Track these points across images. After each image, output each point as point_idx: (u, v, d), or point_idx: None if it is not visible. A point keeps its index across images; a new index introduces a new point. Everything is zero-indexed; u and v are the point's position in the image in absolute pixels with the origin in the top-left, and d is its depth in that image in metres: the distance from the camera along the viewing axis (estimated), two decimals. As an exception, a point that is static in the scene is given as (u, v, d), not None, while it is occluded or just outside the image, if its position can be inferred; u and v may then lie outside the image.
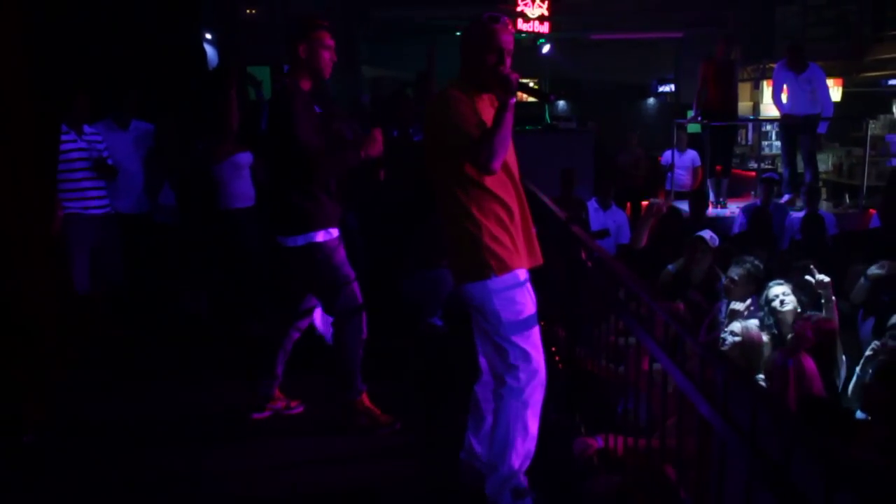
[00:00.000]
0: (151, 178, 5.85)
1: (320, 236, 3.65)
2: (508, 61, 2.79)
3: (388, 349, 4.51)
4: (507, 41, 2.81)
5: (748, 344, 3.71)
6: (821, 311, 3.99)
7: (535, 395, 2.87)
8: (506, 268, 2.81)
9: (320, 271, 3.69)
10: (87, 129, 5.25)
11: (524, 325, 2.84)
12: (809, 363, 3.32)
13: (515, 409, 2.83)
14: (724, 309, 4.56)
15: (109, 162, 5.32)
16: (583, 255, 3.27)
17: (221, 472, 3.52)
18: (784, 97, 8.54)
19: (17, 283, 3.96)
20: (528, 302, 2.87)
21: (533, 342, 2.86)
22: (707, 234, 5.06)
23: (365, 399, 3.86)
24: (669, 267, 5.16)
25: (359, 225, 5.90)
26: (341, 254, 3.75)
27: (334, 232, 3.73)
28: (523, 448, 2.86)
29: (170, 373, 4.80)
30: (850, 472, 1.24)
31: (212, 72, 7.18)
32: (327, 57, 3.62)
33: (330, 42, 3.63)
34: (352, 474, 3.48)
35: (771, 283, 4.21)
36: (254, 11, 9.40)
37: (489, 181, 2.79)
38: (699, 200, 7.57)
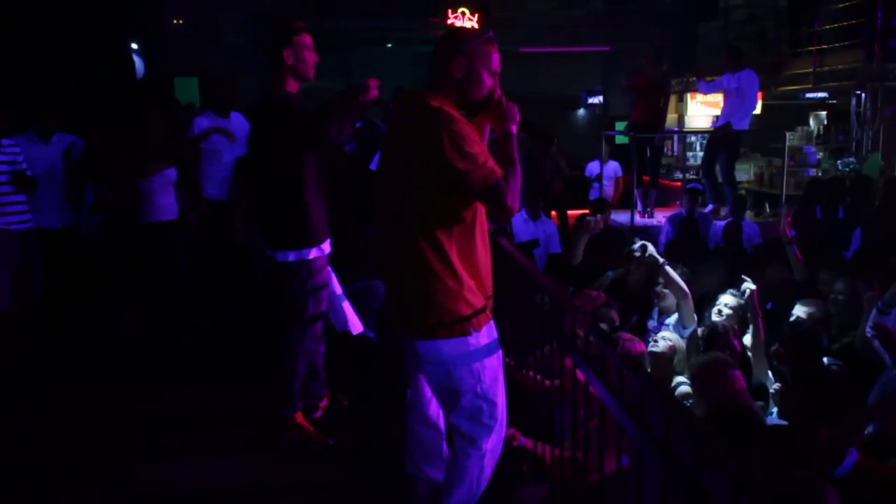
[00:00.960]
0: (75, 191, 5.70)
1: (312, 253, 3.62)
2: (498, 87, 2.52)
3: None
4: (498, 63, 2.50)
5: (663, 354, 3.82)
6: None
7: (498, 449, 2.68)
8: (483, 321, 2.52)
9: (294, 288, 3.64)
10: (4, 141, 5.11)
11: (498, 381, 2.60)
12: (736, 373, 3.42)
13: (480, 466, 2.62)
14: (655, 316, 4.69)
15: (29, 173, 5.18)
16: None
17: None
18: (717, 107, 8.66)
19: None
20: (499, 354, 2.62)
21: (502, 397, 2.64)
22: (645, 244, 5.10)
23: (299, 416, 3.84)
24: (609, 273, 5.25)
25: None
26: (323, 277, 3.73)
27: (325, 248, 3.71)
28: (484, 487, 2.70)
29: (95, 386, 4.69)
30: (750, 477, 1.31)
31: (137, 83, 7.07)
32: (311, 59, 3.57)
33: (310, 42, 3.58)
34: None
35: (726, 291, 4.36)
36: (181, 22, 9.26)
37: (476, 224, 2.48)
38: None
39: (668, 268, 4.22)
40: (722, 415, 2.61)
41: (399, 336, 2.69)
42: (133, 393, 4.59)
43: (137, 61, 8.46)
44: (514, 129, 2.49)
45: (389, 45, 13.54)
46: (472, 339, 2.47)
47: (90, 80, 6.06)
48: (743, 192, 11.91)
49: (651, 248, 4.50)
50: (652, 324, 4.69)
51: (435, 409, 2.87)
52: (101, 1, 6.36)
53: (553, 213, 8.92)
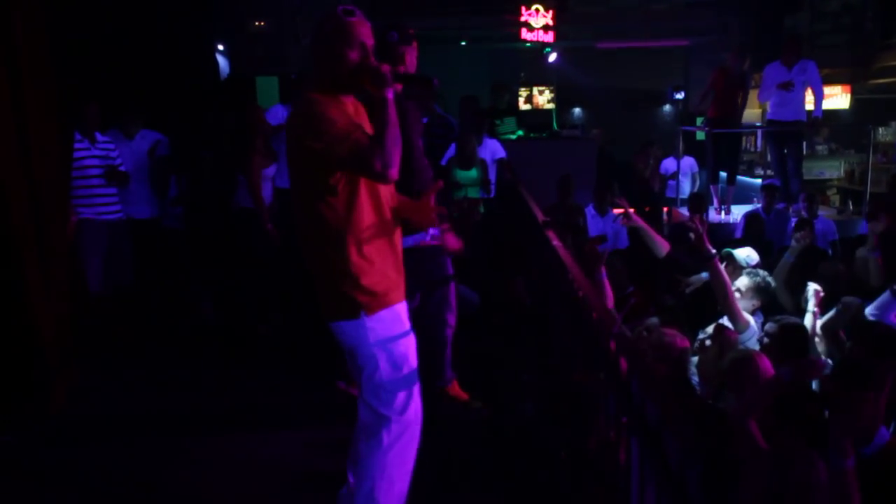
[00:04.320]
0: (160, 185, 6.09)
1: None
2: (371, 56, 2.50)
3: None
4: (367, 34, 2.49)
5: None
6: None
7: (406, 450, 2.60)
8: (382, 304, 2.52)
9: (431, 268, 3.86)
10: (99, 137, 5.49)
11: (402, 370, 2.55)
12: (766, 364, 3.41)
13: (381, 464, 2.55)
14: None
15: (122, 168, 5.57)
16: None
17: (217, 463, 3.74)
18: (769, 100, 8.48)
19: (28, 283, 4.20)
20: (408, 342, 2.60)
21: (410, 389, 2.58)
22: (744, 253, 4.86)
23: (454, 386, 4.07)
24: (703, 275, 5.06)
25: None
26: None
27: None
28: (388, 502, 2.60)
29: (173, 370, 5.03)
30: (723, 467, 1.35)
31: (230, 83, 7.42)
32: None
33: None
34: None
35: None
36: (263, 24, 9.70)
37: (363, 199, 2.48)
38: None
39: (717, 263, 4.12)
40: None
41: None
42: (212, 373, 4.91)
43: (222, 62, 8.93)
44: (389, 93, 2.42)
45: (464, 43, 13.67)
46: (368, 322, 2.48)
47: (177, 80, 6.44)
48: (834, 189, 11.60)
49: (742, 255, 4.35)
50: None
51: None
52: (187, 4, 6.76)
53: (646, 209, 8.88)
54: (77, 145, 5.20)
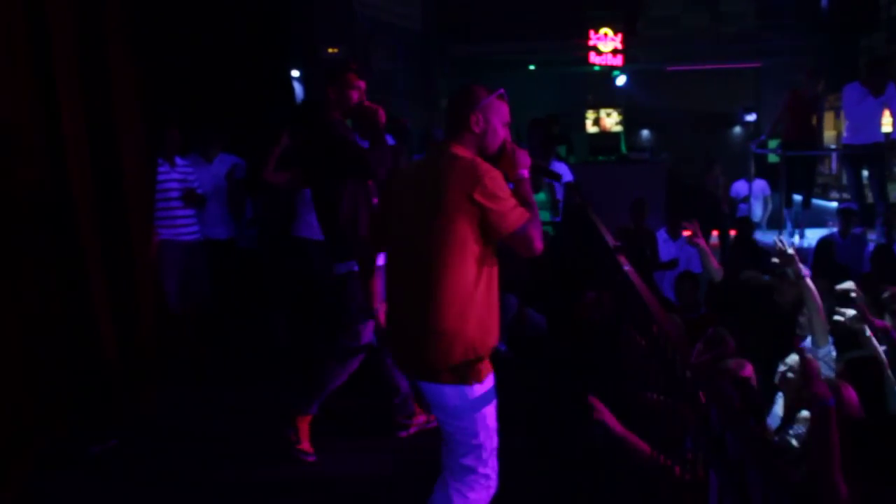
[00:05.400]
0: (237, 207, 6.28)
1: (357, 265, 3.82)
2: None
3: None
4: (508, 116, 2.75)
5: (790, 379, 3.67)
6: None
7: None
8: (488, 370, 2.60)
9: (345, 301, 3.93)
10: (178, 160, 5.70)
11: (492, 432, 2.64)
12: (850, 393, 3.33)
13: None
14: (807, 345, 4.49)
15: (199, 191, 5.77)
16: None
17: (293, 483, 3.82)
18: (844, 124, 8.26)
19: (94, 299, 4.37)
20: (495, 403, 2.66)
21: (494, 446, 2.67)
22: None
23: (306, 420, 4.02)
24: None
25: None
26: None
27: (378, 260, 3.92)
28: None
29: (244, 385, 5.17)
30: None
31: (304, 108, 7.58)
32: (356, 96, 4.00)
33: (358, 83, 4.01)
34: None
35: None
36: (336, 51, 9.93)
37: (488, 267, 2.56)
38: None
39: (808, 280, 4.06)
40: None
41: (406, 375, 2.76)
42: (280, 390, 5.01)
43: (298, 88, 9.16)
44: (526, 173, 2.67)
45: (532, 68, 13.73)
46: (476, 388, 2.54)
47: (255, 106, 6.63)
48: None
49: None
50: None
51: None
52: (266, 33, 6.97)
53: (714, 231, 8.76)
54: (159, 169, 5.41)
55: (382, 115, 3.91)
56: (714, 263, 5.25)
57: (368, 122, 3.95)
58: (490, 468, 2.65)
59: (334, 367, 3.98)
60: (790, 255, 4.10)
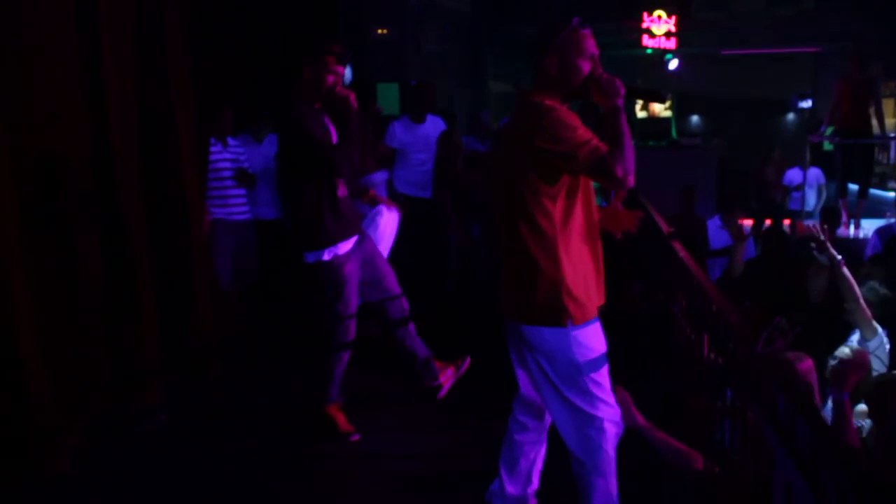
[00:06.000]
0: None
1: (326, 255, 3.80)
2: (600, 67, 2.55)
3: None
4: (594, 46, 2.54)
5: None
6: None
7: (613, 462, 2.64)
8: (587, 315, 2.57)
9: (317, 288, 3.90)
10: (230, 140, 5.75)
11: (601, 373, 2.61)
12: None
13: (604, 492, 2.62)
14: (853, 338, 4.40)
15: (250, 171, 5.81)
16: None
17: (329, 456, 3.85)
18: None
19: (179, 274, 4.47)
20: (602, 346, 2.63)
21: (608, 390, 2.64)
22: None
23: (333, 408, 4.04)
24: None
25: (481, 235, 6.16)
26: (344, 274, 3.84)
27: (343, 248, 3.83)
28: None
29: (289, 364, 5.21)
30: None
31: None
32: (331, 80, 3.74)
33: (336, 67, 3.75)
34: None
35: None
36: (385, 31, 9.90)
37: (578, 209, 2.55)
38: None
39: (844, 269, 3.93)
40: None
41: (506, 322, 2.75)
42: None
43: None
44: (620, 102, 2.49)
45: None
46: (573, 332, 2.52)
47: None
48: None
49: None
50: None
51: (534, 414, 2.89)
52: (316, 14, 6.98)
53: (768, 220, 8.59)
54: (212, 148, 5.45)
55: (354, 102, 3.71)
56: (740, 261, 5.24)
57: (339, 110, 3.76)
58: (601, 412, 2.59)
59: (329, 354, 3.97)
60: (824, 242, 4.06)
